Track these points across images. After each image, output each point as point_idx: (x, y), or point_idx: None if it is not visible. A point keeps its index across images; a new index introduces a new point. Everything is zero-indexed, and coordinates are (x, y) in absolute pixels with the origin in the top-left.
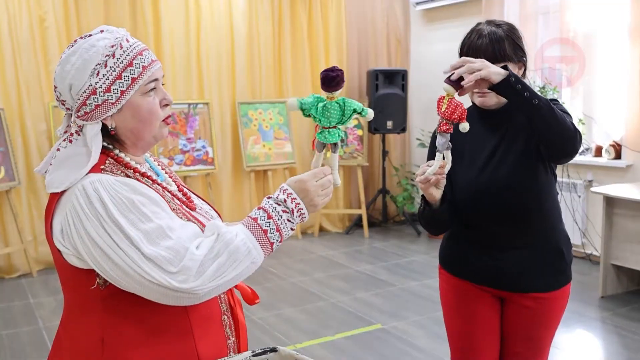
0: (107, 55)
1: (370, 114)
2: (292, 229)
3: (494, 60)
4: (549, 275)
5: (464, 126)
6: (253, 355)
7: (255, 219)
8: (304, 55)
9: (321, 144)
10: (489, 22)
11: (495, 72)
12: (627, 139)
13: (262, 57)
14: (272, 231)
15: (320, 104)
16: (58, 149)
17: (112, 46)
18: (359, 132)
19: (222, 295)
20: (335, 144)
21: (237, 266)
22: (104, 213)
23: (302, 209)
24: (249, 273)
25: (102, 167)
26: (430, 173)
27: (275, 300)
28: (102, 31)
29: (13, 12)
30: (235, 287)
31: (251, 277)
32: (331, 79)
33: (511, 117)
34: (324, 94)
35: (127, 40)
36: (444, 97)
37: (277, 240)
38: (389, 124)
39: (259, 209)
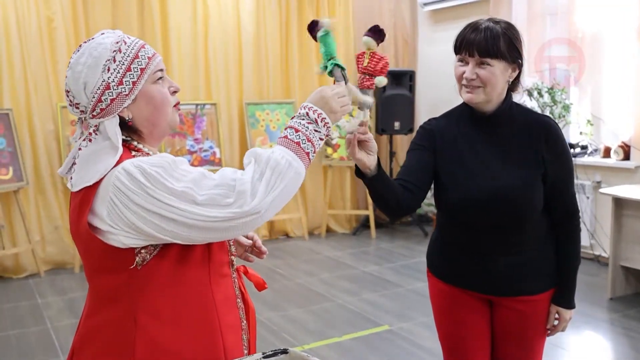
0: (114, 51)
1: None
2: (321, 139)
3: (485, 56)
4: (539, 278)
5: (381, 80)
6: (264, 357)
7: (285, 137)
8: (311, 55)
9: (340, 68)
10: (489, 19)
11: (569, 316)
12: (636, 139)
13: (269, 57)
14: (303, 142)
15: (329, 39)
16: (80, 149)
17: (117, 42)
18: None
19: (235, 280)
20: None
21: (283, 178)
22: (147, 183)
23: (325, 118)
24: (297, 184)
25: (132, 154)
26: (349, 130)
27: (282, 301)
28: (102, 33)
29: (22, 13)
30: (246, 275)
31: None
32: (381, 30)
33: (507, 123)
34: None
35: (128, 37)
36: (363, 53)
37: (311, 150)
38: (397, 124)
39: (286, 128)
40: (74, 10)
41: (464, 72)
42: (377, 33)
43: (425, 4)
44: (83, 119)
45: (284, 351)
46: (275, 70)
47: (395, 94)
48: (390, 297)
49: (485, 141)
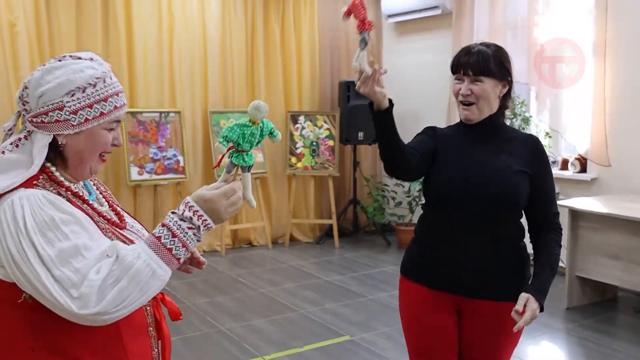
0: (90, 84)
1: (279, 136)
2: (198, 240)
3: (477, 74)
4: (506, 286)
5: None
6: None
7: (159, 238)
8: (276, 65)
9: (233, 165)
10: (481, 43)
11: (535, 309)
12: (592, 152)
13: (234, 66)
14: (177, 248)
15: (247, 131)
16: (3, 152)
17: (97, 78)
18: (331, 142)
19: (148, 308)
20: (251, 166)
21: (143, 287)
22: (24, 230)
23: (209, 224)
24: (158, 289)
25: (34, 182)
26: (359, 68)
27: (244, 311)
28: (91, 59)
29: None
30: (163, 302)
31: (220, 287)
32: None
33: (494, 131)
34: (250, 120)
35: (111, 78)
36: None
37: (184, 254)
38: (360, 135)
39: (162, 226)
40: (37, 16)
41: (460, 89)
42: None
43: (390, 16)
44: (23, 115)
45: None
46: (241, 79)
47: (359, 105)
48: (353, 307)
49: (473, 142)
